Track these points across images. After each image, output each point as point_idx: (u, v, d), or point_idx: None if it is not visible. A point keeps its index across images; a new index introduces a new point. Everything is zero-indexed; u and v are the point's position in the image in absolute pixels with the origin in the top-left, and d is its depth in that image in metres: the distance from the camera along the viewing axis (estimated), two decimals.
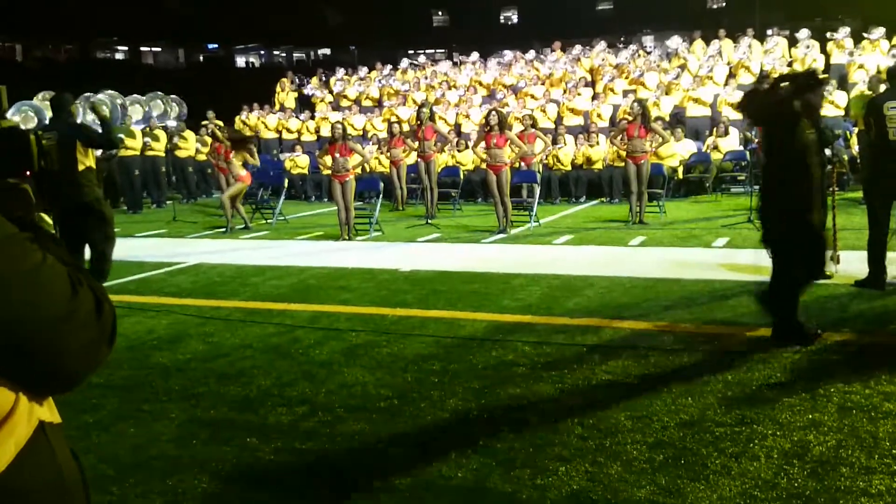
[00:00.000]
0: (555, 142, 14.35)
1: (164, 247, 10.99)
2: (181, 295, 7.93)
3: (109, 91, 15.36)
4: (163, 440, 4.32)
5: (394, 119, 16.24)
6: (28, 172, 1.54)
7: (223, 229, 12.52)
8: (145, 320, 6.86)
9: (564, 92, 16.35)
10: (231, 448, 4.18)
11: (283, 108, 19.56)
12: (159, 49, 40.03)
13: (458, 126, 16.55)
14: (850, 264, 7.31)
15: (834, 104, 13.60)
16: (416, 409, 4.58)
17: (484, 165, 11.39)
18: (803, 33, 16.17)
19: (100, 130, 7.50)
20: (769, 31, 23.85)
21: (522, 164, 12.54)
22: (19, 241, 1.23)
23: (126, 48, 37.94)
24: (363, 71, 20.07)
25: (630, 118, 11.31)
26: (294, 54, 44.55)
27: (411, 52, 37.21)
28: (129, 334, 6.39)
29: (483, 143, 11.00)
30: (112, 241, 7.27)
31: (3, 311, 1.16)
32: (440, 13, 42.74)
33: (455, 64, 19.77)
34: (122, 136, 11.30)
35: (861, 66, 14.92)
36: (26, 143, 1.51)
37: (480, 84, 17.90)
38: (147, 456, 4.12)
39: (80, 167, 6.99)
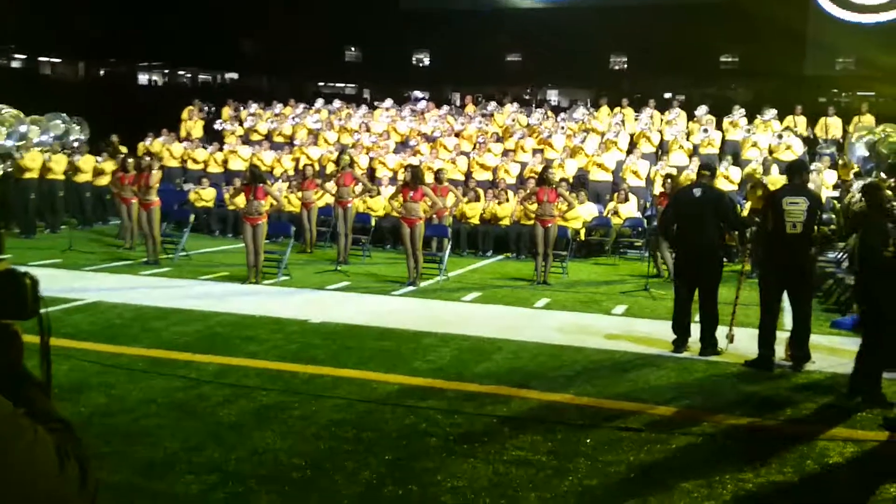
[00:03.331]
0: (465, 195, 14.60)
1: (60, 279, 10.55)
2: (79, 337, 7.64)
3: (6, 108, 14.75)
4: None
5: (305, 160, 16.17)
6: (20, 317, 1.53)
7: (172, 256, 12.79)
8: None
9: (474, 147, 16.72)
10: None
11: (189, 137, 19.15)
12: (59, 60, 38.56)
13: (371, 170, 16.64)
14: (740, 342, 7.76)
15: (728, 179, 14.41)
16: (330, 481, 4.59)
17: (396, 215, 11.52)
18: (702, 110, 17.12)
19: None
20: (667, 94, 25.08)
21: (435, 217, 12.72)
22: (15, 420, 1.27)
23: (24, 56, 36.37)
24: (278, 107, 19.92)
25: (544, 184, 11.62)
26: (200, 76, 43.68)
27: (322, 84, 37.12)
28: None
29: (399, 196, 11.15)
30: None
31: None
32: (353, 49, 42.93)
33: (370, 108, 19.92)
34: None
35: (754, 145, 15.90)
36: (22, 288, 1.51)
37: (395, 130, 18.08)
38: None
39: None
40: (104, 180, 16.06)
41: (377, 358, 7.25)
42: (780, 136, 16.05)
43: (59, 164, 15.39)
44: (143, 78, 42.99)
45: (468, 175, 16.25)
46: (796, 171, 7.37)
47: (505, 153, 16.63)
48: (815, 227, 7.14)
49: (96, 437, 5.12)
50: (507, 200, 14.74)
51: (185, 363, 6.90)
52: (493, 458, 4.95)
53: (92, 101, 23.73)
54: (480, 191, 15.26)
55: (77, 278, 10.91)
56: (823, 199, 11.32)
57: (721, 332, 7.72)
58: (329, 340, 7.86)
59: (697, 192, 7.82)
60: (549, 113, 18.64)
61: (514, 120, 17.60)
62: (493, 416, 5.79)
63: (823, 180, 13.48)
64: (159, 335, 7.91)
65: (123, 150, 16.71)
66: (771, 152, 15.45)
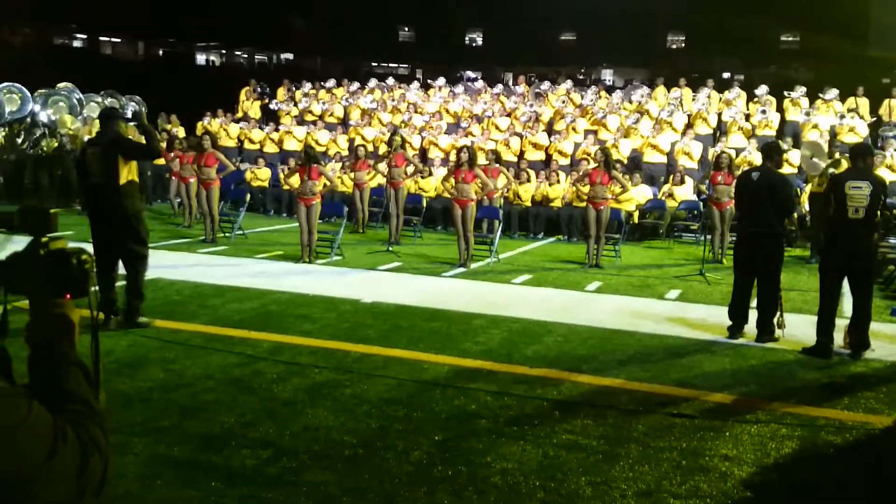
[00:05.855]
0: (517, 177, 14.54)
1: None
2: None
3: (67, 85, 15.11)
4: (128, 477, 4.30)
5: (359, 141, 16.27)
6: (68, 296, 1.56)
7: (229, 235, 13.07)
8: (104, 339, 6.69)
9: (525, 127, 16.58)
10: (197, 492, 4.19)
11: (246, 117, 19.40)
12: (119, 39, 39.35)
13: (423, 151, 16.65)
14: (797, 328, 7.61)
15: (788, 161, 14.06)
16: (381, 459, 4.64)
17: (448, 196, 11.54)
18: (762, 90, 16.70)
19: (143, 140, 7.79)
20: (726, 74, 24.51)
21: (485, 198, 12.71)
22: (5, 397, 1.28)
23: (85, 36, 37.20)
24: (331, 82, 20.05)
25: (595, 164, 11.58)
26: (256, 56, 44.16)
27: (375, 64, 37.21)
28: (89, 354, 6.30)
29: (452, 177, 11.16)
30: (145, 260, 7.43)
31: None
32: (406, 29, 42.91)
33: (423, 87, 19.90)
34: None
35: (815, 126, 15.46)
36: (69, 268, 1.54)
37: (447, 111, 18.05)
38: (112, 495, 4.10)
39: (122, 180, 7.12)
40: (163, 159, 16.34)
41: (427, 338, 7.29)
42: (842, 118, 15.59)
43: None
44: (200, 58, 43.64)
45: (520, 156, 16.16)
46: (860, 155, 7.17)
47: (557, 132, 16.47)
48: (878, 213, 6.95)
49: (156, 412, 5.27)
50: (559, 182, 14.63)
51: (241, 340, 7.04)
52: (542, 442, 4.95)
53: (150, 80, 24.20)
54: (532, 172, 15.18)
55: None
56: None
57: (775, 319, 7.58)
58: (380, 320, 7.93)
59: (756, 175, 7.65)
60: (603, 93, 18.38)
61: (564, 102, 17.39)
62: (543, 399, 5.79)
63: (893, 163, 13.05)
64: (216, 312, 8.08)
65: (181, 131, 16.99)
66: (834, 135, 15.00)
